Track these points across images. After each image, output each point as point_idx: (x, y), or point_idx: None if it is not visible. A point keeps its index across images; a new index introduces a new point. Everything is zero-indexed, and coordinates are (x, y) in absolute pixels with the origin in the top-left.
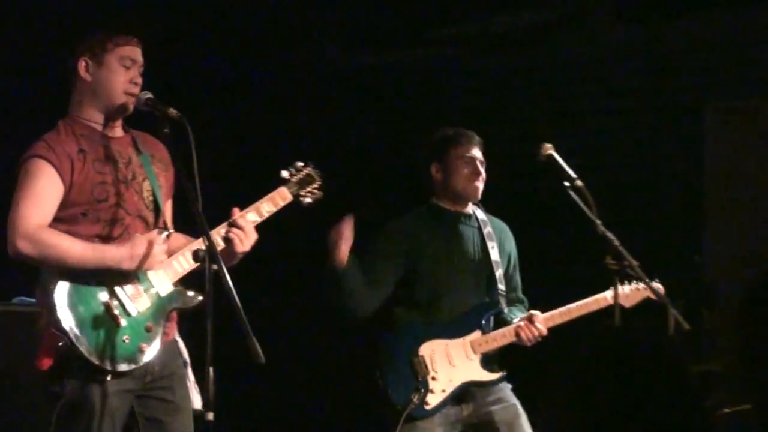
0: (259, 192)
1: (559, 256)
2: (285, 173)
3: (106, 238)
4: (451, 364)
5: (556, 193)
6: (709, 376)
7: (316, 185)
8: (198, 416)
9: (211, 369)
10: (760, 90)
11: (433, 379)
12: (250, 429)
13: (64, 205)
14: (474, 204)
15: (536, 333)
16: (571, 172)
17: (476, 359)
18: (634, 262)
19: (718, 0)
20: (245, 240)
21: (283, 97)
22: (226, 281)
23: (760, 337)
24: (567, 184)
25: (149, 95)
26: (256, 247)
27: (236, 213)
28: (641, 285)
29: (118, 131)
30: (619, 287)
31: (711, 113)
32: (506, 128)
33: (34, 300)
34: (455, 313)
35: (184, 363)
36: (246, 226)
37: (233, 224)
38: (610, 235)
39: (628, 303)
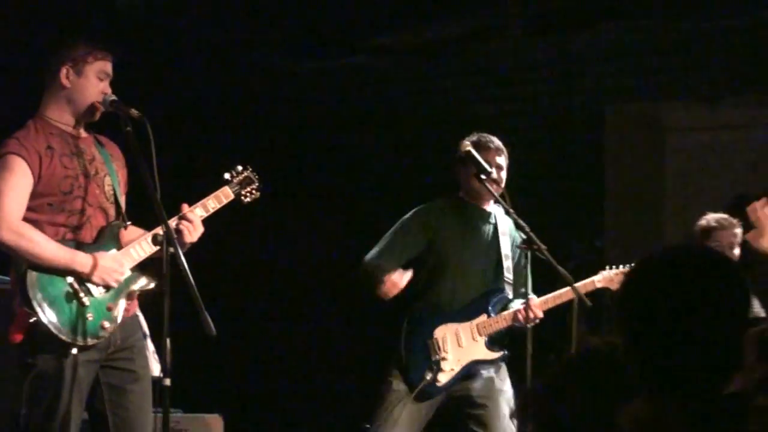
0: (205, 190)
1: None
2: (227, 175)
3: (71, 227)
4: (459, 345)
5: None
6: None
7: (254, 186)
8: (156, 382)
9: (168, 340)
10: (655, 95)
11: (444, 359)
12: (202, 394)
13: (32, 196)
14: (496, 203)
15: (532, 316)
16: (486, 166)
17: (481, 340)
18: (543, 246)
19: (618, 14)
20: (193, 232)
21: (230, 100)
22: (182, 262)
23: (636, 315)
24: (483, 176)
25: (114, 97)
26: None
27: (185, 208)
28: (626, 268)
29: (83, 132)
30: (607, 271)
31: (611, 115)
32: (432, 127)
33: (7, 278)
34: (465, 298)
35: (144, 335)
36: (194, 219)
37: (183, 217)
38: (521, 221)
39: (614, 286)
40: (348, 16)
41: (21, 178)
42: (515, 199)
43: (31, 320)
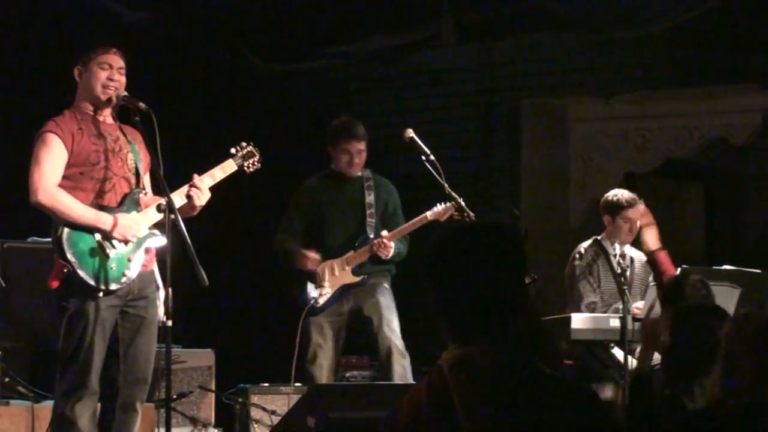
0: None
1: (417, 209)
2: (233, 150)
3: (98, 192)
4: (333, 274)
5: (415, 164)
6: None
7: (256, 159)
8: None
9: (170, 289)
10: (561, 92)
11: (322, 286)
12: (198, 333)
13: (67, 166)
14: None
15: (385, 246)
16: (426, 149)
17: (348, 269)
18: (472, 214)
19: (532, 26)
20: (202, 197)
21: (220, 95)
22: (180, 226)
23: (435, 280)
24: (423, 157)
25: (125, 93)
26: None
27: (196, 178)
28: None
29: (108, 119)
30: (436, 207)
31: (526, 108)
32: (382, 118)
33: (44, 239)
34: (339, 240)
35: (157, 287)
36: (202, 187)
37: (193, 185)
38: (454, 194)
39: (442, 218)
40: (311, 28)
41: (56, 152)
42: (450, 176)
43: (65, 270)
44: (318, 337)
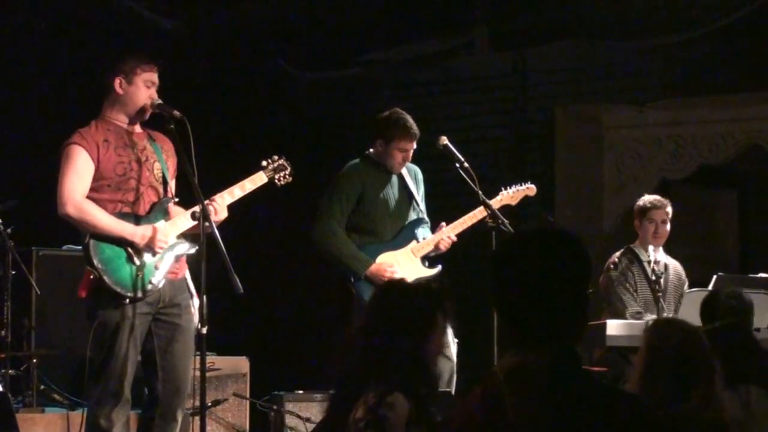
0: (237, 176)
1: (451, 216)
2: (264, 162)
3: (127, 202)
4: (401, 267)
5: (449, 171)
6: None
7: (287, 172)
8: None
9: (204, 296)
10: (595, 99)
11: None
12: (232, 340)
13: (94, 178)
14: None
15: (449, 242)
16: (460, 156)
17: (418, 260)
18: (506, 221)
19: (565, 34)
20: (218, 214)
21: (255, 103)
22: (215, 233)
23: (499, 285)
24: (457, 164)
25: (159, 101)
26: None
27: (217, 195)
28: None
29: (137, 128)
30: (506, 190)
31: (560, 114)
32: (416, 125)
33: (78, 247)
34: (394, 231)
35: (191, 295)
36: (220, 204)
37: (212, 201)
38: (488, 201)
39: (513, 201)
40: (346, 36)
41: (82, 164)
42: (484, 183)
43: (92, 277)
44: None
